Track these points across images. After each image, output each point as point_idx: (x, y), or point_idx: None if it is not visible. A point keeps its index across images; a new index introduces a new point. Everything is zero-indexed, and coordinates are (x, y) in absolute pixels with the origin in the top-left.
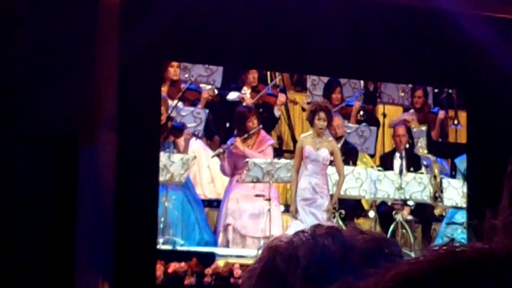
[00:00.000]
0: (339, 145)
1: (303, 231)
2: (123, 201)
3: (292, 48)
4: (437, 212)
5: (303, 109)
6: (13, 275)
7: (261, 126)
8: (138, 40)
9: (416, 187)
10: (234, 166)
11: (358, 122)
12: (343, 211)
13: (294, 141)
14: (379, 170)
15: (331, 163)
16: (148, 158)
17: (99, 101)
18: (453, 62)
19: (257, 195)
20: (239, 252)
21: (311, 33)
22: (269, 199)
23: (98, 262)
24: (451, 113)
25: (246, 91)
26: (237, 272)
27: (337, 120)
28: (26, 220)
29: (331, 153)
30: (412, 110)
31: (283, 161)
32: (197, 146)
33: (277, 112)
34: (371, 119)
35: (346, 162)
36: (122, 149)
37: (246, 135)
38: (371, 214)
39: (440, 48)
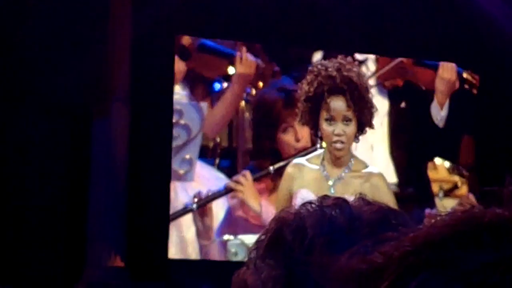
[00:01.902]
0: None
1: (310, 203)
2: (135, 174)
3: (305, 22)
4: None
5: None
6: (26, 247)
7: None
8: (151, 13)
9: None
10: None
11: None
12: None
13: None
14: None
15: None
16: (161, 131)
17: (112, 74)
18: (467, 38)
19: None
20: None
21: (324, 8)
22: None
23: (110, 235)
24: None
25: None
26: None
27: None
28: (39, 192)
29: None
30: None
31: None
32: None
33: None
34: None
35: None
36: (134, 122)
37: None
38: None
39: (452, 22)
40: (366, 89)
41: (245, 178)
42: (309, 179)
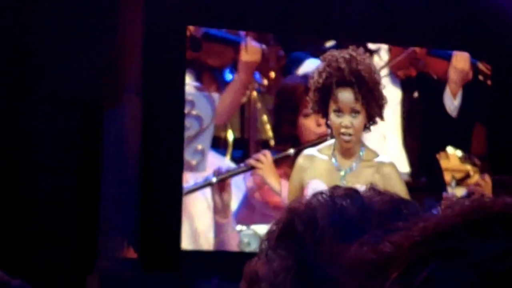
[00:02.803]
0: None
1: (321, 193)
2: (148, 165)
3: (318, 12)
4: None
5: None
6: (38, 238)
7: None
8: (162, 4)
9: None
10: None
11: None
12: None
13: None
14: None
15: None
16: (173, 123)
17: (124, 65)
18: (477, 25)
19: None
20: None
21: None
22: None
23: (122, 227)
24: None
25: None
26: None
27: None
28: (51, 184)
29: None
30: None
31: None
32: None
33: None
34: None
35: None
36: (147, 113)
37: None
38: None
39: (464, 11)
40: (376, 82)
41: (265, 156)
42: (321, 169)
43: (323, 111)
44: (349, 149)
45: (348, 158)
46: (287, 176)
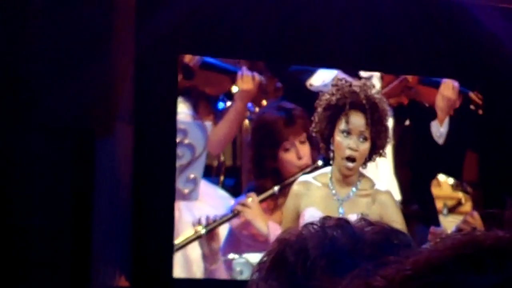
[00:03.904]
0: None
1: (312, 223)
2: (140, 194)
3: (308, 40)
4: None
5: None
6: (30, 269)
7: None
8: (154, 33)
9: None
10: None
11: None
12: None
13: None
14: None
15: None
16: (165, 151)
17: (115, 94)
18: (469, 53)
19: None
20: None
21: (327, 25)
22: None
23: (115, 256)
24: None
25: None
26: None
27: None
28: (43, 214)
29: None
30: None
31: None
32: None
33: None
34: None
35: None
36: (138, 142)
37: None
38: None
39: (456, 39)
40: (386, 113)
41: (252, 200)
42: (317, 197)
43: (328, 131)
44: (348, 176)
45: (345, 186)
46: (270, 209)
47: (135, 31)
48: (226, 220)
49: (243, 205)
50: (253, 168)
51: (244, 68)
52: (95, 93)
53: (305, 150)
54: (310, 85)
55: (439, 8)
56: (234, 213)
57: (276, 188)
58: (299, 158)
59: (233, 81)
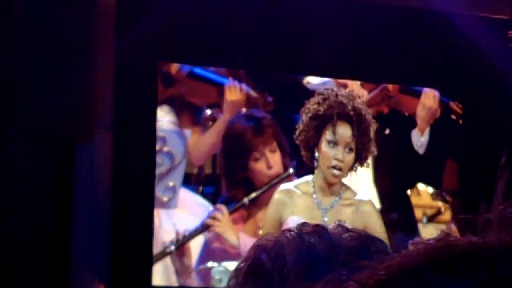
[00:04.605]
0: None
1: (289, 230)
2: (119, 201)
3: (290, 48)
4: None
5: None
6: (9, 275)
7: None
8: (134, 40)
9: None
10: None
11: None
12: None
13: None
14: None
15: None
16: (144, 159)
17: (96, 101)
18: (449, 62)
19: None
20: None
21: (309, 34)
22: None
23: (94, 263)
24: None
25: None
26: None
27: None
28: (22, 219)
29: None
30: None
31: None
32: None
33: None
34: None
35: None
36: (118, 149)
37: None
38: None
39: (437, 48)
40: (370, 123)
41: (221, 213)
42: (301, 206)
43: (314, 140)
44: (333, 185)
45: (328, 196)
46: (242, 219)
47: (115, 38)
48: (196, 234)
49: (213, 218)
50: (225, 179)
51: (231, 79)
52: (75, 100)
53: (275, 159)
54: (308, 82)
55: (420, 17)
56: (204, 227)
57: (246, 200)
58: (269, 167)
59: (220, 92)
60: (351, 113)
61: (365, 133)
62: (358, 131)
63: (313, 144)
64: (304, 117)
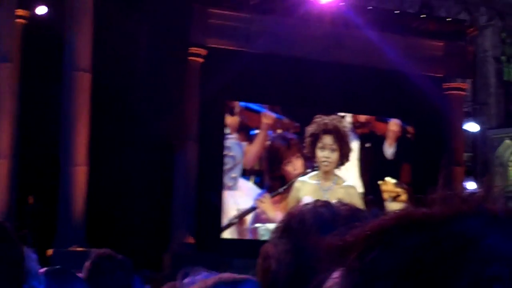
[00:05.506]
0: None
1: (308, 204)
2: (202, 187)
3: (307, 94)
4: None
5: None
6: (135, 234)
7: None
8: (211, 87)
9: None
10: None
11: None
12: None
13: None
14: None
15: None
16: (217, 160)
17: (187, 123)
18: (407, 102)
19: None
20: None
21: (319, 88)
22: None
23: (186, 224)
24: None
25: None
26: None
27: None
28: (142, 199)
29: None
30: None
31: None
32: None
33: None
34: None
35: None
36: (201, 154)
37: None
38: None
39: (399, 94)
40: (346, 134)
41: (266, 197)
42: (310, 190)
43: (312, 150)
44: (327, 173)
45: (327, 182)
46: (279, 202)
47: (199, 85)
48: (249, 212)
49: (260, 201)
50: (267, 175)
51: (267, 109)
52: (174, 122)
53: (299, 163)
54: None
55: (389, 74)
56: (254, 207)
57: (281, 189)
58: (295, 169)
59: (260, 118)
60: (331, 128)
61: (342, 139)
62: (337, 138)
63: (312, 152)
64: (306, 139)
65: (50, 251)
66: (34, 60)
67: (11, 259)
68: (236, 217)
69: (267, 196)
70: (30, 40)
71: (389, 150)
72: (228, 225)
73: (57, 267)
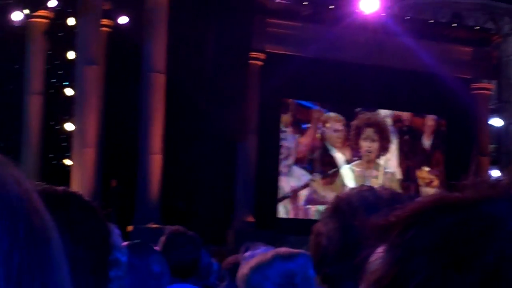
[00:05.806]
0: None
1: (354, 188)
2: (260, 173)
3: (351, 92)
4: None
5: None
6: (203, 212)
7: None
8: (270, 86)
9: None
10: None
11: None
12: None
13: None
14: None
15: None
16: (274, 150)
17: (247, 118)
18: (440, 100)
19: None
20: None
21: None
22: None
23: (247, 204)
24: None
25: None
26: None
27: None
28: (207, 186)
29: None
30: None
31: None
32: None
33: None
34: None
35: None
36: (260, 145)
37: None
38: None
39: (434, 93)
40: (385, 127)
41: (316, 178)
42: (355, 176)
43: (356, 140)
44: (370, 162)
45: (369, 169)
46: (328, 183)
47: (259, 85)
48: (302, 188)
49: (312, 180)
50: (319, 161)
51: (318, 106)
52: (237, 118)
53: (346, 153)
54: (359, 110)
55: (425, 76)
56: (306, 184)
57: (330, 171)
58: (342, 157)
59: (312, 113)
60: (372, 121)
61: (382, 131)
62: (378, 131)
63: (357, 142)
64: (351, 130)
65: (130, 228)
66: (117, 63)
67: (99, 233)
68: (290, 192)
69: (318, 177)
70: (113, 46)
71: (426, 142)
72: (283, 198)
73: (137, 241)
